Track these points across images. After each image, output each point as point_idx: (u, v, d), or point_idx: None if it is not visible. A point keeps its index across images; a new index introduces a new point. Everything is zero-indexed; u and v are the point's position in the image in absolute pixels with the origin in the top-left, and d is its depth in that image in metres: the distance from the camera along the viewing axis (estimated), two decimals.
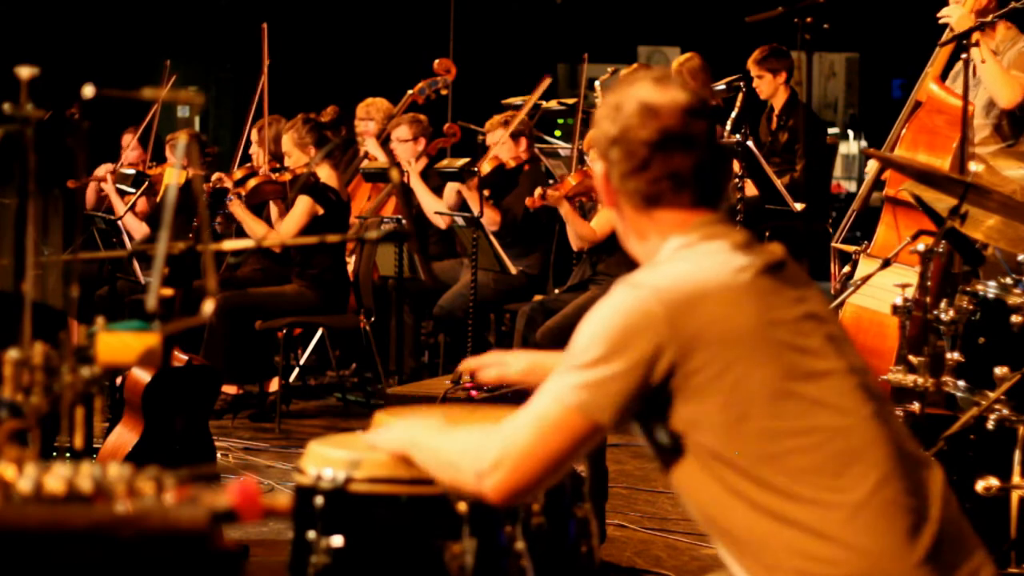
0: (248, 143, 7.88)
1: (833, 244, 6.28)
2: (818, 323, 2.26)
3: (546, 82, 7.70)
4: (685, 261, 2.25)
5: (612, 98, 2.33)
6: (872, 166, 6.36)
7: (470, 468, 2.24)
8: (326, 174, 7.04)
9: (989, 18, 5.70)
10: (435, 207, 7.65)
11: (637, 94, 2.29)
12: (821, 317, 2.28)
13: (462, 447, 2.31)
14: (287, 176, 7.27)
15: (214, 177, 7.42)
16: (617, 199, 2.33)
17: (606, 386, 2.17)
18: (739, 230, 2.32)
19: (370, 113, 8.41)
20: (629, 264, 2.38)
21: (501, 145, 7.40)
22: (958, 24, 5.78)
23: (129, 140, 8.87)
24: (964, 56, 5.48)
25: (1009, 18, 5.77)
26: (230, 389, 7.00)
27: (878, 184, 6.15)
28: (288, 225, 7.00)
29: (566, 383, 2.20)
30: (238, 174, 7.47)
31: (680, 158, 2.27)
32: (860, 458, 2.19)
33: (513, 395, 5.98)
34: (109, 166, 8.45)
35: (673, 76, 2.35)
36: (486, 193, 7.23)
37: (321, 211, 6.93)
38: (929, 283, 4.11)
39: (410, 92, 8.66)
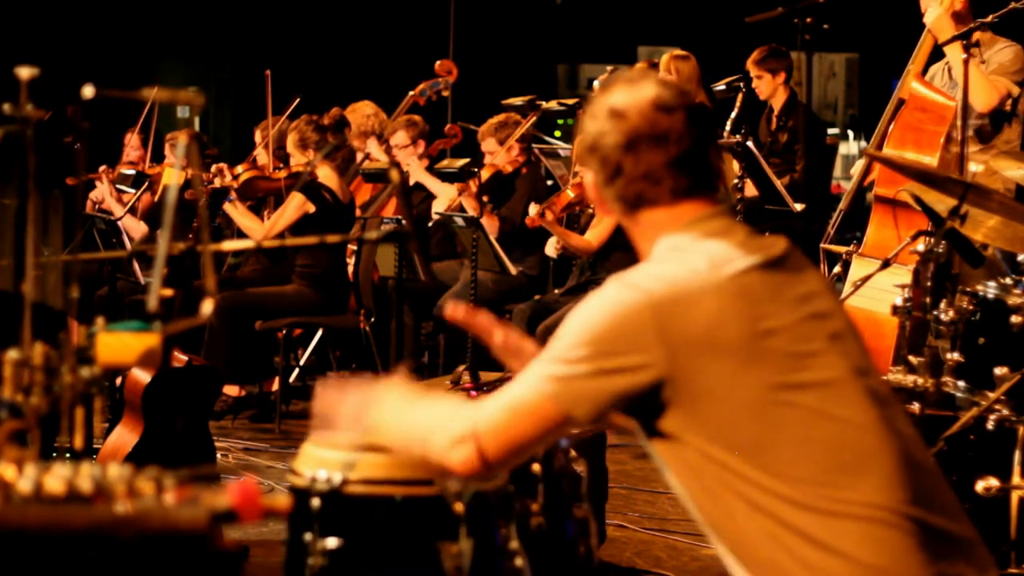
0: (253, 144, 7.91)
1: (822, 245, 6.28)
2: (821, 323, 2.21)
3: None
4: (678, 262, 2.22)
5: (590, 107, 2.34)
6: (858, 166, 6.37)
7: (439, 440, 2.24)
8: (326, 174, 7.04)
9: (989, 19, 5.70)
10: (450, 195, 7.65)
11: (607, 100, 2.30)
12: (825, 315, 2.23)
13: (433, 420, 2.30)
14: (283, 174, 7.28)
15: (214, 168, 7.43)
16: (608, 205, 2.34)
17: (585, 384, 2.17)
18: (738, 225, 2.29)
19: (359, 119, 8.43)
20: (627, 265, 2.38)
21: (494, 153, 7.44)
22: (934, 25, 5.82)
23: (131, 139, 8.87)
24: (963, 56, 5.48)
25: (1008, 20, 5.77)
26: (231, 391, 7.00)
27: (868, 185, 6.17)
28: (276, 220, 7.00)
29: (545, 372, 2.20)
30: (239, 169, 7.48)
31: (650, 155, 2.26)
32: (861, 468, 2.15)
33: None
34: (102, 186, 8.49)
35: (649, 74, 2.36)
36: (485, 199, 7.24)
37: (312, 209, 6.92)
38: (929, 283, 4.11)
39: (411, 93, 8.65)
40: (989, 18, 5.70)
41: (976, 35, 5.83)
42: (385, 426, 2.39)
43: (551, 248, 6.98)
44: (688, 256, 2.22)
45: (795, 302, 2.21)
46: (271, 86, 7.86)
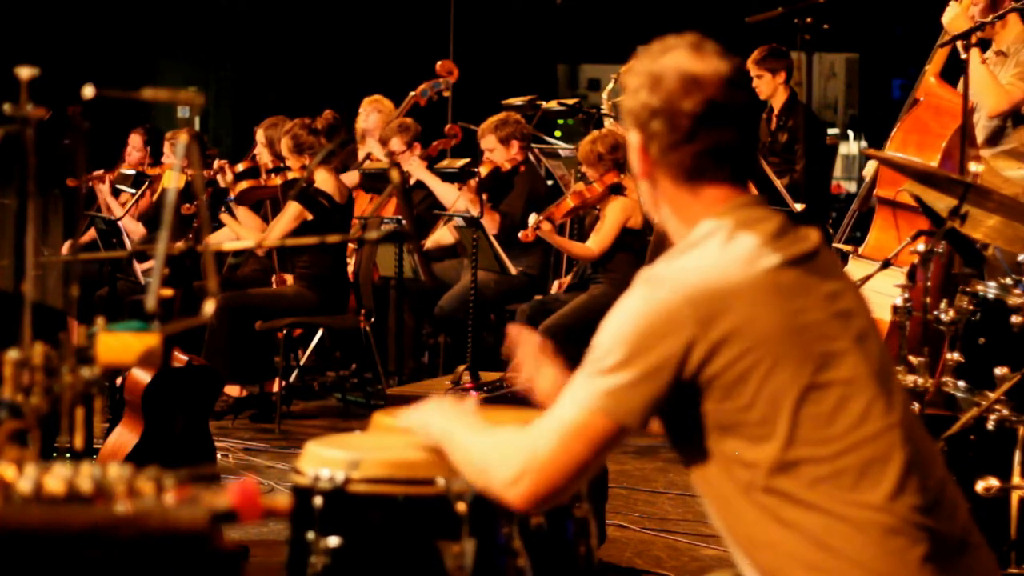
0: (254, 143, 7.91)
1: (834, 244, 6.28)
2: (847, 322, 2.19)
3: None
4: (712, 253, 2.18)
5: (647, 66, 2.25)
6: (871, 166, 6.35)
7: (497, 476, 2.22)
8: (322, 178, 7.03)
9: (989, 18, 5.67)
10: (451, 196, 7.66)
11: (677, 64, 2.22)
12: (852, 314, 2.20)
13: (491, 452, 2.27)
14: (278, 179, 7.27)
15: (216, 165, 7.43)
16: (654, 172, 2.26)
17: (633, 391, 2.13)
18: (775, 215, 2.23)
19: (377, 108, 8.45)
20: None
21: (494, 150, 7.45)
22: (951, 24, 5.75)
23: (136, 141, 8.87)
24: (964, 56, 5.46)
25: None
26: (232, 390, 7.00)
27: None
28: (275, 229, 7.00)
29: (590, 389, 2.16)
30: (240, 167, 7.48)
31: (724, 131, 2.21)
32: (874, 473, 2.13)
33: (515, 396, 6.00)
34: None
35: (708, 43, 2.26)
36: (484, 196, 7.25)
37: (310, 217, 6.92)
38: (929, 283, 4.12)
39: (412, 94, 8.66)
40: (990, 17, 5.66)
41: (1010, 32, 5.77)
42: (450, 443, 2.41)
43: (554, 286, 7.07)
44: (722, 247, 2.18)
45: (825, 299, 2.19)
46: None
